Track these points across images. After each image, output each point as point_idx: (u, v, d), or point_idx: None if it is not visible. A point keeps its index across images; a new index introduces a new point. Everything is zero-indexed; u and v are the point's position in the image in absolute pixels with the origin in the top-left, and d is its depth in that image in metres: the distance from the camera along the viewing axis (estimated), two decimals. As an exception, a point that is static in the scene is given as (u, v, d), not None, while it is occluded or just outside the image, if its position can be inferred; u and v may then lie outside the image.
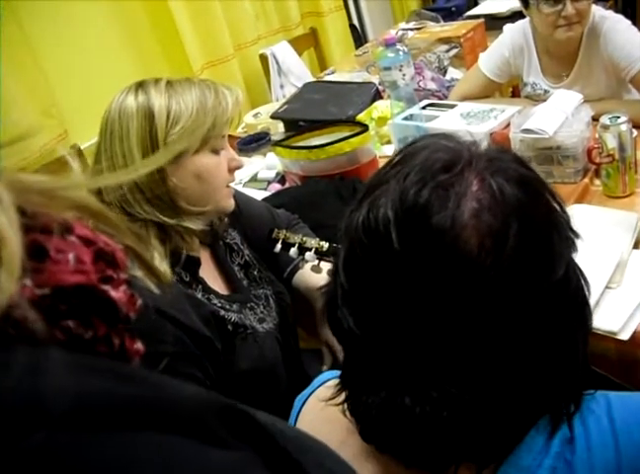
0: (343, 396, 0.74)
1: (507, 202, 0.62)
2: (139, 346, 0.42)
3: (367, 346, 0.66)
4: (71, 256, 0.37)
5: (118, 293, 0.39)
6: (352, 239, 0.66)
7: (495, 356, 0.63)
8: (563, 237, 0.65)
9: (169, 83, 1.21)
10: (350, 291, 0.67)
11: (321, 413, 0.80)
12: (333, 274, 0.72)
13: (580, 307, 0.68)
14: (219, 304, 1.29)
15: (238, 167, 1.33)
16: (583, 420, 0.70)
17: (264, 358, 1.30)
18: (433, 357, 0.63)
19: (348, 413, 0.73)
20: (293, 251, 1.42)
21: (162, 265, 1.16)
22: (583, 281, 0.68)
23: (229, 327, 1.26)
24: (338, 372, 0.89)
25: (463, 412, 0.63)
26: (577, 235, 0.67)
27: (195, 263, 1.28)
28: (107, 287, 0.38)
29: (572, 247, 0.66)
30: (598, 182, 1.70)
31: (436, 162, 0.64)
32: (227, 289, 1.39)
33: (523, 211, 0.62)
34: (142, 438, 0.33)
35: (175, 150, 1.15)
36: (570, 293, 0.66)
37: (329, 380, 0.88)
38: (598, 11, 2.01)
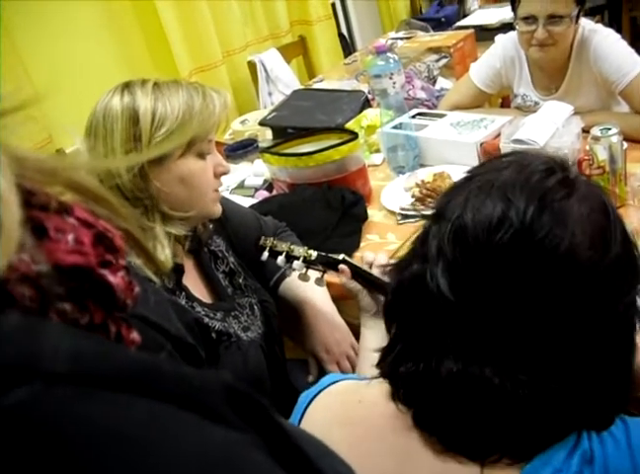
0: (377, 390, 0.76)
1: (612, 209, 0.68)
2: (135, 335, 0.41)
3: (457, 313, 0.68)
4: (70, 236, 0.35)
5: (116, 279, 0.38)
6: (460, 220, 0.68)
7: (575, 350, 0.66)
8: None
9: (156, 84, 1.18)
10: (452, 260, 0.68)
11: (342, 413, 0.81)
12: (420, 246, 0.74)
13: (634, 334, 0.72)
14: (203, 312, 1.26)
15: (225, 172, 1.31)
16: (602, 441, 0.70)
17: (248, 368, 1.28)
18: (519, 340, 0.66)
19: (396, 397, 0.74)
20: (281, 259, 1.39)
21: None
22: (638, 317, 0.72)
23: (213, 335, 1.23)
24: (343, 375, 0.89)
25: (541, 397, 0.66)
26: None
27: (178, 270, 1.25)
28: (105, 272, 0.37)
29: None
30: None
31: (546, 164, 0.69)
32: (211, 298, 1.36)
33: (622, 222, 0.68)
34: (140, 403, 0.31)
35: (162, 149, 1.12)
36: (635, 319, 0.70)
37: (337, 382, 0.88)
38: (587, 25, 2.01)
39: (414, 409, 0.72)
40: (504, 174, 0.68)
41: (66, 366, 0.29)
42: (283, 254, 1.39)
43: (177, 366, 0.35)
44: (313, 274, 1.41)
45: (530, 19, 1.91)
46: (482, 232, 0.65)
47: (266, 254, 1.41)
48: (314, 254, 1.38)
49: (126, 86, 1.18)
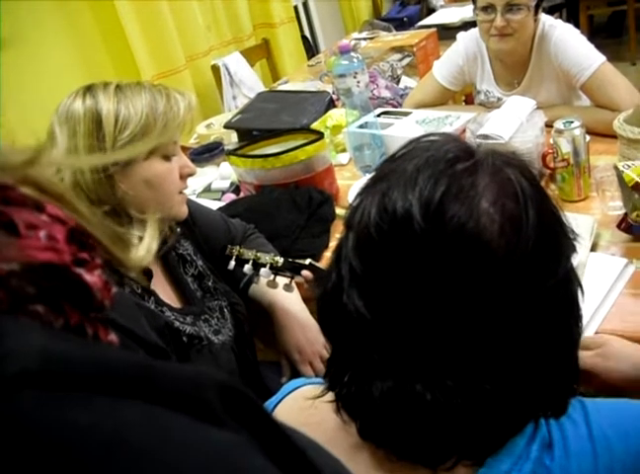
0: (330, 395, 0.72)
1: (523, 191, 0.62)
2: (113, 337, 0.38)
3: (377, 330, 0.64)
4: (43, 233, 0.33)
5: (92, 278, 0.36)
6: (366, 225, 0.64)
7: (505, 346, 0.62)
8: (566, 235, 0.65)
9: (118, 87, 1.17)
10: (362, 275, 0.65)
11: (297, 418, 0.78)
12: (335, 261, 0.69)
13: (577, 309, 0.68)
14: (172, 317, 1.25)
15: (191, 174, 1.30)
16: (560, 425, 0.69)
17: (220, 371, 1.27)
18: (445, 345, 0.62)
19: (341, 410, 0.71)
20: (248, 267, 1.39)
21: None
22: (579, 287, 0.67)
23: (184, 339, 1.22)
24: (306, 380, 0.86)
25: (478, 401, 0.62)
26: (575, 237, 0.67)
27: (146, 274, 1.24)
28: (81, 270, 0.35)
29: (573, 248, 0.66)
30: (553, 186, 1.70)
31: (448, 152, 0.64)
32: (180, 302, 1.35)
33: (537, 202, 0.63)
34: (128, 406, 0.29)
35: (129, 152, 1.10)
36: (572, 292, 0.66)
37: (298, 388, 0.86)
38: (548, 20, 2.04)
39: (358, 422, 0.70)
40: (408, 168, 0.64)
41: (37, 366, 0.27)
42: (250, 262, 1.39)
43: (168, 365, 0.33)
44: (281, 280, 1.41)
45: (489, 8, 1.94)
46: (389, 230, 0.62)
47: (232, 263, 1.40)
48: (280, 260, 1.38)
49: (88, 89, 1.16)
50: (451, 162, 0.63)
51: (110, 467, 0.26)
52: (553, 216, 0.65)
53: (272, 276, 1.39)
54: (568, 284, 0.65)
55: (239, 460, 0.32)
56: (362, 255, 0.65)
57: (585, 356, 1.09)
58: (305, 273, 1.38)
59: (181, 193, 1.28)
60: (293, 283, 1.42)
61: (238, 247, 1.41)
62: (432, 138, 0.68)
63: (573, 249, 0.66)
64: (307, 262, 1.39)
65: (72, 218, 0.36)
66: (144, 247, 1.12)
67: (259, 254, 1.39)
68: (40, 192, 0.35)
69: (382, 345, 0.64)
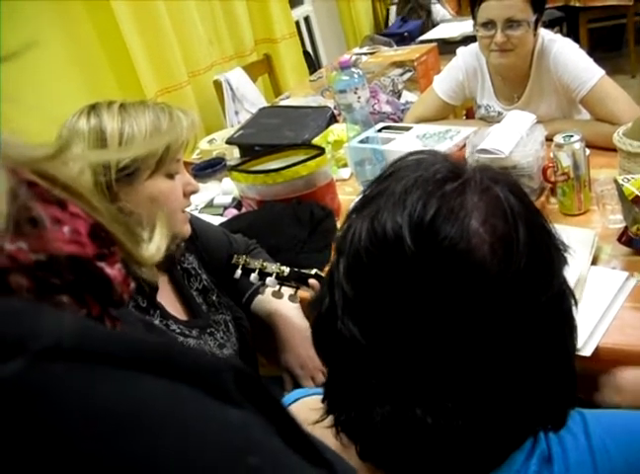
0: (330, 418, 0.71)
1: (512, 209, 0.62)
2: None
3: (373, 356, 0.64)
4: (67, 228, 0.34)
5: (113, 271, 0.37)
6: (357, 249, 0.63)
7: (502, 363, 0.62)
8: (557, 248, 0.65)
9: (122, 106, 1.18)
10: (355, 300, 0.64)
11: None
12: (328, 287, 0.69)
13: (572, 321, 0.68)
14: (178, 330, 1.25)
15: (194, 191, 1.31)
16: (560, 438, 0.69)
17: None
18: (442, 366, 0.62)
19: (341, 434, 0.70)
20: (254, 276, 1.40)
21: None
22: (572, 299, 0.67)
23: (188, 355, 1.23)
24: (308, 390, 0.86)
25: (478, 420, 0.62)
26: (566, 249, 0.66)
27: (151, 287, 1.25)
28: (102, 264, 0.36)
29: (564, 261, 0.66)
30: (554, 200, 1.71)
31: (437, 173, 0.64)
32: (186, 315, 1.36)
33: (526, 218, 0.62)
34: (153, 381, 0.29)
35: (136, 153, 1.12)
36: (566, 304, 0.66)
37: (301, 398, 0.86)
38: (547, 34, 2.06)
39: (358, 445, 0.69)
40: (396, 189, 0.63)
41: (70, 341, 0.28)
42: (256, 271, 1.39)
43: (186, 349, 0.34)
44: (286, 290, 1.41)
45: (489, 24, 1.95)
46: (379, 254, 0.61)
47: (239, 272, 1.41)
48: (287, 270, 1.39)
49: (93, 108, 1.18)
50: (440, 183, 0.62)
51: (133, 434, 0.27)
52: (543, 231, 0.65)
53: (277, 287, 1.40)
54: (562, 298, 0.65)
55: (259, 437, 0.32)
56: (354, 280, 0.64)
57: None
58: (312, 282, 1.38)
59: (183, 212, 1.29)
60: (298, 294, 1.42)
61: (244, 256, 1.42)
62: (418, 157, 0.68)
63: (565, 262, 0.66)
64: (313, 271, 1.40)
65: (91, 216, 0.38)
66: (155, 244, 1.12)
67: (265, 263, 1.40)
68: (62, 189, 0.36)
69: (380, 370, 0.64)
